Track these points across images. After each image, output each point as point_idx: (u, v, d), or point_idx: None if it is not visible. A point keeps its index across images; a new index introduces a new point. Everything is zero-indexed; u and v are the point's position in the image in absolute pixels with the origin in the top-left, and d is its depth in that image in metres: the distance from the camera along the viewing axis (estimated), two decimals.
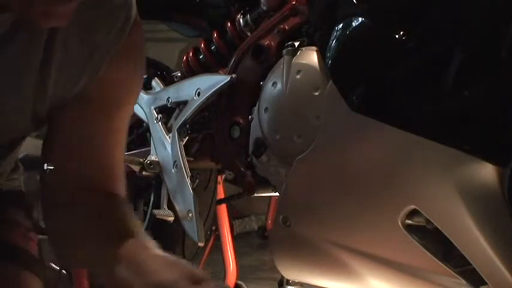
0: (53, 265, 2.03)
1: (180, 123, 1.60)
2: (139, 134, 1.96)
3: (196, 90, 1.58)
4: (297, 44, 1.40)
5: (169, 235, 1.91)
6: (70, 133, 0.86)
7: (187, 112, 1.59)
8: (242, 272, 1.95)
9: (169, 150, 1.62)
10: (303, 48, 1.38)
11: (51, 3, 0.68)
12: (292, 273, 1.46)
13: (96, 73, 0.82)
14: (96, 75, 0.83)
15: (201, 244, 1.65)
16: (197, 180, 1.60)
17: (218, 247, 1.88)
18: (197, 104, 1.57)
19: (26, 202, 1.08)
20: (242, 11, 1.61)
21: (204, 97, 1.56)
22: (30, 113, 0.83)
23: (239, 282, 1.89)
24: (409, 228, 1.16)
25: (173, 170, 1.61)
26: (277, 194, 1.48)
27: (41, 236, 1.06)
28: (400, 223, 1.15)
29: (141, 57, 0.89)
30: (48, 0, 0.68)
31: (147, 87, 1.78)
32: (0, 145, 0.90)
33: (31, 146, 1.08)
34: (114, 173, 0.89)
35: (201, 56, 1.72)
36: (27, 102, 0.82)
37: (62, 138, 0.87)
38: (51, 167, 0.87)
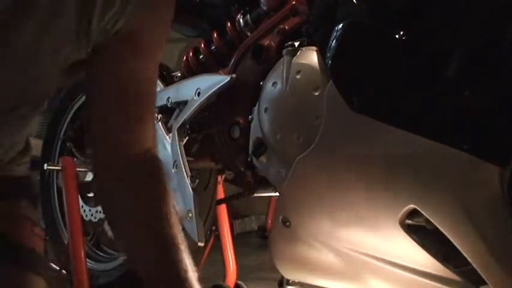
0: (53, 265, 2.03)
1: (180, 123, 1.60)
2: None
3: (196, 90, 1.58)
4: (297, 44, 1.40)
5: None
6: (111, 78, 0.91)
7: (187, 112, 1.59)
8: (242, 272, 1.95)
9: (169, 150, 1.61)
10: (303, 48, 1.38)
11: None
12: (292, 273, 1.46)
13: (133, 16, 0.88)
14: (132, 19, 0.88)
15: (201, 244, 1.65)
16: (197, 180, 1.59)
17: (218, 247, 1.88)
18: (197, 104, 1.57)
19: (34, 189, 1.08)
20: (242, 11, 1.61)
21: (204, 97, 1.56)
22: (63, 58, 0.86)
23: (239, 282, 1.89)
24: (409, 228, 1.16)
25: (173, 170, 1.60)
26: (277, 194, 1.48)
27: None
28: (400, 223, 1.15)
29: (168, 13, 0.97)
30: None
31: None
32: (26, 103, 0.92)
33: (31, 146, 1.07)
34: (150, 126, 0.98)
35: (201, 56, 1.72)
36: (64, 46, 0.85)
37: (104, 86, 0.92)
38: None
